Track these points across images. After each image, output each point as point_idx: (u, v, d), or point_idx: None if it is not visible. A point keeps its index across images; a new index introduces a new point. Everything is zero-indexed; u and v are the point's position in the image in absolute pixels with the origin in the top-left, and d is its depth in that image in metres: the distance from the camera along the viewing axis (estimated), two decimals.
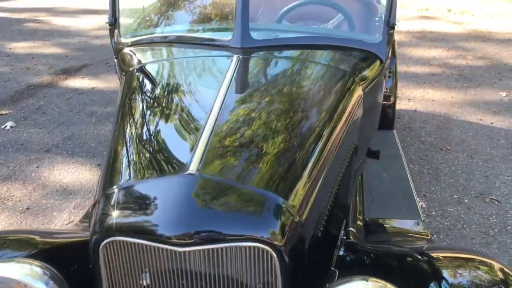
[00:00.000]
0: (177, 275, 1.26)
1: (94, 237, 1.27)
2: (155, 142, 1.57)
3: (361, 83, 1.98)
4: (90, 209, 1.46)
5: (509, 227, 2.88)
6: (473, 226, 2.89)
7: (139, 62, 2.14)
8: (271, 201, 1.27)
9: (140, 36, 2.31)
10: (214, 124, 1.45)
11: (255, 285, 1.28)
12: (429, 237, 2.14)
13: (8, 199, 3.24)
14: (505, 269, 1.42)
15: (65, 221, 3.01)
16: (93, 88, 5.21)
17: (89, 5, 9.34)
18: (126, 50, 2.25)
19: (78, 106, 4.73)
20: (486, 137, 3.96)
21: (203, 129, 1.43)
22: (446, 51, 6.29)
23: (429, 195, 3.19)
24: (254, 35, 2.03)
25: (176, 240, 1.18)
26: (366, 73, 2.07)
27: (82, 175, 3.51)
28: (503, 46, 6.41)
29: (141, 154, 1.49)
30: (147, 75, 2.02)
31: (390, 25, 2.19)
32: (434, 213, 3.01)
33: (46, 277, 1.27)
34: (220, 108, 1.53)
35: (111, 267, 1.29)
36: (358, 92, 1.94)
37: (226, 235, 1.20)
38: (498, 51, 6.22)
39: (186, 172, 1.26)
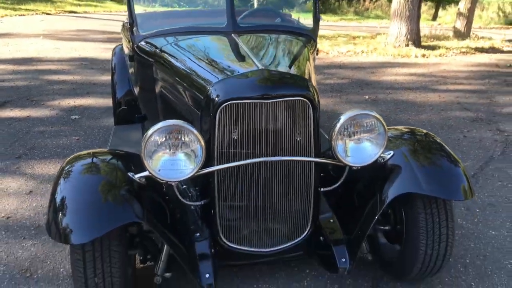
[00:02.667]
0: (255, 129, 2.24)
1: (216, 100, 2.20)
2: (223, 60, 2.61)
3: (310, 50, 3.22)
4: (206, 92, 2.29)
5: None
6: None
7: (168, 42, 3.12)
8: (305, 80, 2.36)
9: (155, 29, 3.28)
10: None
11: (296, 137, 2.31)
12: None
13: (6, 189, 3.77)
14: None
15: None
16: (28, 116, 5.70)
17: None
18: (149, 39, 3.23)
19: (24, 128, 5.23)
20: None
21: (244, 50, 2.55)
22: (317, 75, 7.98)
23: None
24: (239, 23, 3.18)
25: (266, 97, 2.18)
26: (310, 45, 3.32)
27: None
28: (356, 71, 8.32)
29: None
30: (178, 48, 3.02)
31: (317, 17, 3.50)
32: None
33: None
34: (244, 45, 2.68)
35: (221, 126, 2.23)
36: (313, 53, 3.17)
37: (287, 94, 2.23)
38: (353, 74, 8.08)
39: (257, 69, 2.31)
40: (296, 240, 2.49)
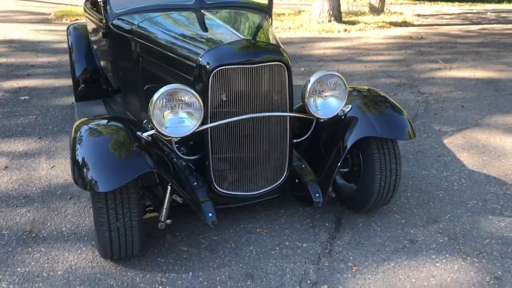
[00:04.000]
0: (240, 90, 2.66)
1: (207, 67, 2.59)
2: (204, 35, 2.98)
3: (269, 23, 3.66)
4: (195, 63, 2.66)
5: None
6: None
7: (143, 18, 3.42)
8: (280, 47, 2.79)
9: (128, 7, 3.56)
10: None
11: (274, 96, 2.76)
12: None
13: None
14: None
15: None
16: None
17: None
18: (122, 17, 3.51)
19: None
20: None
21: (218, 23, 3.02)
22: None
23: None
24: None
25: (250, 63, 2.61)
26: (268, 19, 3.76)
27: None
28: (287, 46, 8.87)
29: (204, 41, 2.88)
30: (154, 23, 3.34)
31: None
32: None
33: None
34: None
35: (212, 89, 2.63)
36: (271, 26, 3.62)
37: (267, 59, 2.66)
38: (285, 49, 8.60)
39: (239, 39, 2.73)
40: (277, 184, 2.97)
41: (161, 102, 2.52)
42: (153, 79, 3.22)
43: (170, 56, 2.96)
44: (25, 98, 5.64)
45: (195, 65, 2.70)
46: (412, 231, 3.03)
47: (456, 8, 16.12)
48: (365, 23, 11.41)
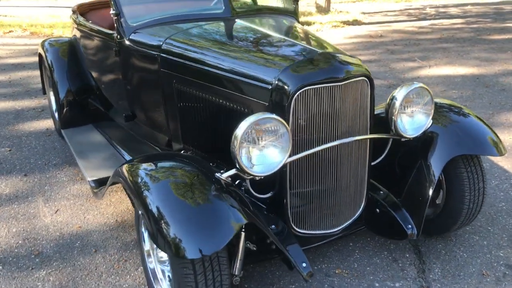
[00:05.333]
0: (323, 112, 2.25)
1: (288, 88, 2.15)
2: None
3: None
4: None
5: None
6: None
7: (172, 30, 2.88)
8: (359, 59, 2.40)
9: (147, 19, 3.00)
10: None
11: (358, 117, 2.36)
12: None
13: None
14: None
15: None
16: None
17: None
18: (139, 30, 2.95)
19: None
20: None
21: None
22: None
23: None
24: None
25: (335, 81, 2.20)
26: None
27: None
28: None
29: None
30: (189, 36, 2.81)
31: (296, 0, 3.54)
32: None
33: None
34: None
35: (294, 114, 2.20)
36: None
37: (353, 75, 2.26)
38: None
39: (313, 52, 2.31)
40: (356, 216, 2.59)
41: (250, 136, 2.05)
42: (197, 105, 2.70)
43: (228, 78, 2.46)
44: None
45: (270, 87, 2.24)
46: (501, 254, 2.75)
47: (395, 4, 16.45)
48: (320, 23, 11.25)
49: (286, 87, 2.18)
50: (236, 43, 2.71)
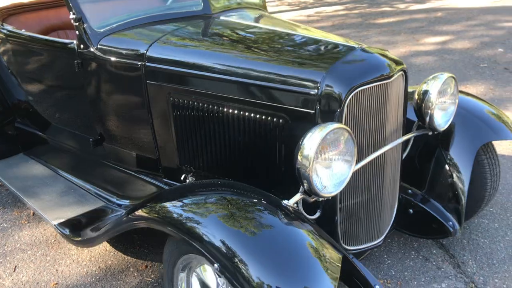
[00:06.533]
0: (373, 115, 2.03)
1: (338, 92, 1.87)
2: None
3: None
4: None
5: None
6: None
7: (150, 39, 2.39)
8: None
9: (118, 22, 2.46)
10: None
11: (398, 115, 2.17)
12: None
13: None
14: None
15: None
16: None
17: None
18: (109, 37, 2.42)
19: None
20: None
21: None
22: None
23: None
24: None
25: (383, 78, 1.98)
26: None
27: None
28: None
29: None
30: (179, 39, 2.36)
31: None
32: None
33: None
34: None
35: (346, 120, 1.93)
36: None
37: (394, 70, 2.04)
38: None
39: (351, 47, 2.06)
40: (392, 220, 2.41)
41: (324, 154, 1.74)
42: (204, 120, 2.27)
43: (253, 84, 2.07)
44: None
45: (315, 92, 1.93)
46: None
47: None
48: None
49: (336, 90, 1.90)
50: (249, 43, 2.33)
